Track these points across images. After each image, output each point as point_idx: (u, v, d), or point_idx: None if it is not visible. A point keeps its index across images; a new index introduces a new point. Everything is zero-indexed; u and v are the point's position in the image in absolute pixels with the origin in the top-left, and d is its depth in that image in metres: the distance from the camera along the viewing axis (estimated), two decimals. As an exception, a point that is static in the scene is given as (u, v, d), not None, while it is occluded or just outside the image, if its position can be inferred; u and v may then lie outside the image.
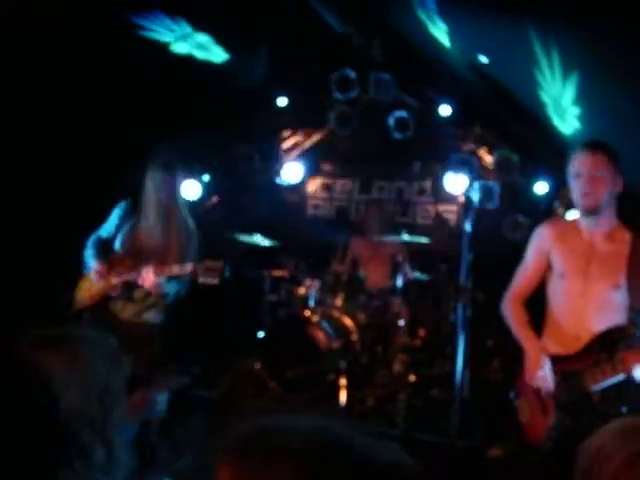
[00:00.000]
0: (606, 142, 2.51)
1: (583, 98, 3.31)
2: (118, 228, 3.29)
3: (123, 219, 3.30)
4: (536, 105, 3.91)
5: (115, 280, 3.18)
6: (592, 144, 2.51)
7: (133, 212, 3.28)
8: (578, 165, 2.46)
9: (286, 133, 6.19)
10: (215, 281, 2.97)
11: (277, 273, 4.84)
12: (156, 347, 3.24)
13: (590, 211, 2.47)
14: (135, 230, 3.25)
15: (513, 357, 2.71)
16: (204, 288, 3.07)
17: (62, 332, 1.34)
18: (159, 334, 3.26)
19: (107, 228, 3.35)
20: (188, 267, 3.00)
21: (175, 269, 3.03)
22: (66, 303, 3.28)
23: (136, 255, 3.20)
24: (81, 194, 4.29)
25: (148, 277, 3.05)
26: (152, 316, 3.22)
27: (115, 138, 4.42)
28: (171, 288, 3.13)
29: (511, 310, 2.68)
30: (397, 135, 5.62)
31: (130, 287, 3.16)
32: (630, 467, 0.89)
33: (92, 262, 3.24)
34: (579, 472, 0.95)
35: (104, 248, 3.31)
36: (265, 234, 4.93)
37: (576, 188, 2.46)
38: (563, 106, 3.55)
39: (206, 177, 5.91)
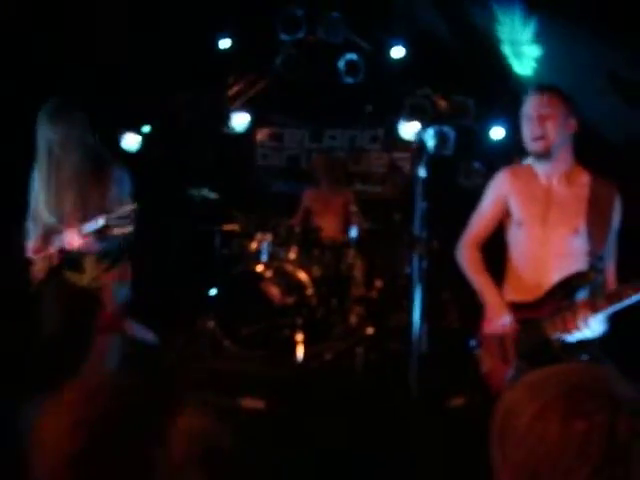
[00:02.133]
0: (557, 85, 2.43)
1: (542, 38, 3.19)
2: (41, 194, 3.04)
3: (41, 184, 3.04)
4: (493, 45, 3.78)
5: (52, 249, 2.98)
6: (541, 85, 2.44)
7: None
8: (529, 106, 2.39)
9: (231, 79, 5.88)
10: (128, 229, 2.73)
11: (228, 227, 4.65)
12: (118, 306, 3.08)
13: (541, 154, 2.39)
14: (47, 192, 3.00)
15: (470, 307, 2.67)
16: (153, 244, 2.88)
17: None
18: (118, 293, 3.08)
19: (33, 196, 3.10)
20: (100, 220, 2.76)
21: (90, 225, 2.80)
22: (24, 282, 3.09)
23: (55, 219, 2.98)
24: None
25: (73, 238, 2.83)
26: (109, 277, 3.04)
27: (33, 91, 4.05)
28: (107, 245, 2.93)
29: (467, 256, 2.63)
30: (348, 80, 5.41)
31: (72, 255, 2.96)
32: (541, 418, 0.86)
33: (30, 238, 3.06)
34: (495, 427, 0.92)
35: (37, 219, 3.08)
36: (213, 187, 4.72)
37: (527, 131, 2.39)
38: (521, 46, 3.43)
39: (146, 128, 5.57)
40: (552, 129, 2.36)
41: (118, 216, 2.72)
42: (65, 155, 2.91)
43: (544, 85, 2.44)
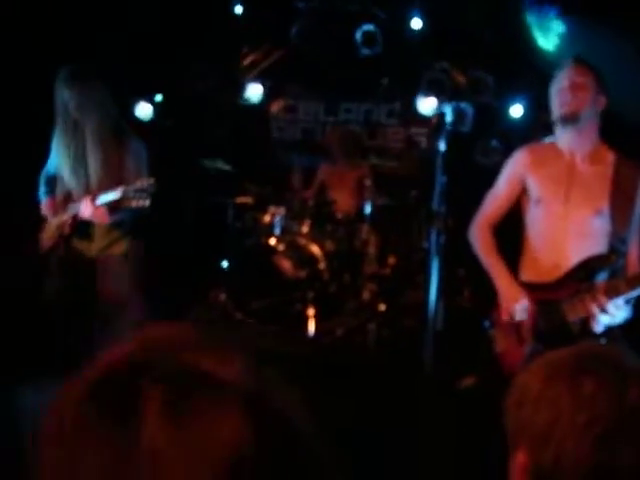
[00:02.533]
0: (589, 61, 2.37)
1: (568, 14, 3.10)
2: (59, 159, 3.02)
3: (58, 148, 3.02)
4: (517, 18, 3.67)
5: (65, 216, 2.96)
6: (578, 59, 2.37)
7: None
8: (561, 79, 2.33)
9: (245, 49, 5.77)
10: (145, 203, 2.70)
11: (241, 200, 4.62)
12: (123, 280, 3.07)
13: (569, 118, 2.32)
14: (65, 159, 2.98)
15: (485, 285, 2.64)
16: (165, 216, 2.86)
17: None
18: (126, 267, 3.07)
19: (52, 160, 3.08)
20: (118, 191, 2.73)
21: (107, 195, 2.78)
22: (32, 246, 3.07)
23: (70, 182, 2.95)
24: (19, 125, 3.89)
25: (86, 208, 2.81)
26: (119, 249, 3.03)
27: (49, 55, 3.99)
28: (120, 216, 2.90)
29: (479, 237, 2.59)
30: (364, 51, 5.29)
31: (84, 224, 2.95)
32: (551, 380, 0.88)
33: (43, 202, 3.07)
34: (508, 403, 0.92)
35: (52, 183, 3.07)
36: (226, 159, 4.67)
37: (558, 100, 2.34)
38: (547, 19, 3.33)
39: (158, 97, 5.50)
40: (583, 97, 2.31)
41: (136, 189, 2.70)
42: (83, 119, 2.88)
43: (577, 57, 2.38)
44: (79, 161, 2.92)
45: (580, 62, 2.35)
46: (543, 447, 0.83)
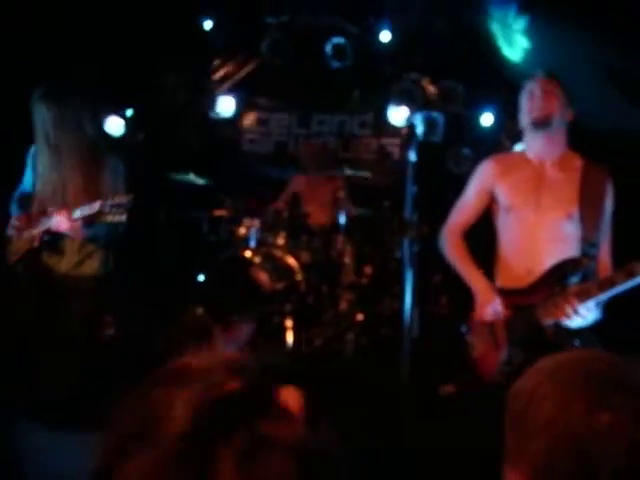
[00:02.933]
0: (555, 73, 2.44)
1: (532, 31, 3.19)
2: (34, 177, 2.98)
3: (34, 167, 2.98)
4: (484, 28, 3.75)
5: (35, 231, 2.92)
6: (548, 72, 2.43)
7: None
8: (532, 87, 2.39)
9: (216, 63, 5.78)
10: (122, 218, 2.69)
11: (216, 213, 4.60)
12: (95, 299, 3.02)
13: (541, 122, 2.37)
14: (40, 177, 2.96)
15: (461, 292, 2.67)
16: (139, 230, 2.83)
17: None
18: (98, 285, 3.02)
19: (26, 179, 3.04)
20: (95, 205, 2.70)
21: (83, 209, 2.75)
22: None
23: (49, 204, 2.92)
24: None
25: (60, 222, 2.78)
26: (90, 267, 2.98)
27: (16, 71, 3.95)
28: (94, 231, 2.87)
29: (450, 243, 2.62)
30: (335, 64, 5.34)
31: (55, 238, 2.90)
32: (564, 409, 0.83)
33: (13, 217, 3.00)
34: (511, 415, 0.89)
35: (26, 201, 3.01)
36: (199, 172, 4.65)
37: (529, 106, 2.38)
38: (513, 32, 3.41)
39: (129, 111, 5.47)
40: (554, 104, 2.37)
41: (113, 204, 2.68)
42: (61, 138, 2.86)
43: (549, 71, 2.44)
44: (58, 180, 2.90)
45: (550, 75, 2.41)
46: (546, 476, 0.81)
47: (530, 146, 2.48)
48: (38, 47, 4.11)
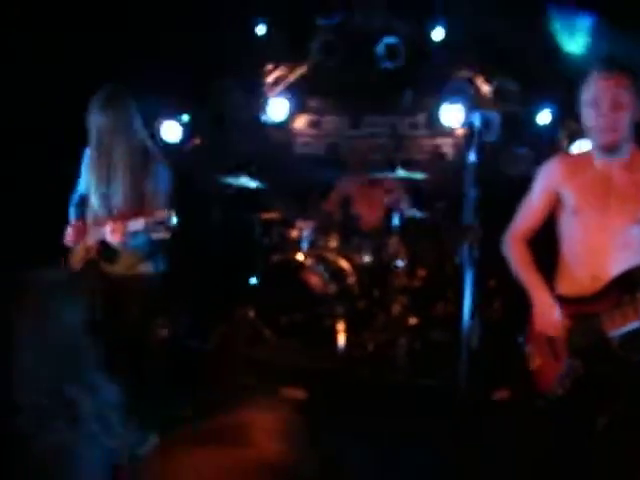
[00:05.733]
0: (625, 61, 2.23)
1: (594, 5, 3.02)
2: (89, 181, 3.05)
3: (90, 170, 3.04)
4: (541, 22, 3.61)
5: (90, 241, 2.99)
6: (612, 63, 2.21)
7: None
8: (596, 90, 2.17)
9: (268, 66, 5.82)
10: (165, 235, 2.70)
11: (268, 216, 4.62)
12: (151, 298, 3.08)
13: (610, 149, 2.23)
14: (95, 183, 3.00)
15: (516, 297, 2.58)
16: (193, 233, 2.85)
17: (29, 279, 1.24)
18: (153, 285, 3.07)
19: (82, 182, 3.11)
20: (140, 222, 2.73)
21: (131, 225, 2.78)
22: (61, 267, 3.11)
23: (102, 209, 2.98)
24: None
25: (111, 235, 2.82)
26: (145, 268, 3.03)
27: (77, 73, 4.06)
28: (141, 241, 2.90)
29: (514, 251, 2.49)
30: (387, 64, 5.29)
31: (110, 246, 2.95)
32: None
33: (70, 224, 3.08)
34: None
35: (83, 204, 3.09)
36: (252, 175, 4.68)
37: (593, 119, 2.19)
38: (572, 18, 3.25)
39: (185, 117, 5.57)
40: (624, 120, 2.18)
41: (156, 221, 2.71)
42: (114, 142, 2.91)
43: (616, 62, 2.22)
44: (107, 184, 2.95)
45: (616, 71, 2.18)
46: None
47: (596, 155, 2.34)
48: (95, 49, 4.23)
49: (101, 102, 2.89)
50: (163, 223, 2.68)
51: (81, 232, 3.05)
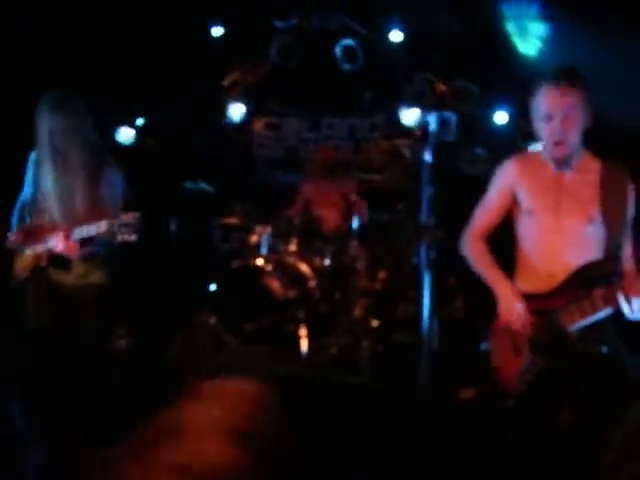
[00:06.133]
0: (576, 70, 2.26)
1: (548, 14, 3.08)
2: (34, 187, 2.93)
3: (35, 175, 2.93)
4: (496, 24, 3.66)
5: (39, 248, 2.87)
6: (564, 76, 2.23)
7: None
8: (548, 104, 2.23)
9: (226, 69, 5.76)
10: (132, 237, 2.62)
11: (227, 221, 4.55)
12: (106, 308, 2.98)
13: (561, 161, 2.30)
14: (41, 187, 2.90)
15: (476, 294, 2.60)
16: (151, 239, 2.78)
17: None
18: (107, 294, 2.98)
19: (26, 189, 2.99)
20: (102, 225, 2.64)
21: (89, 229, 2.69)
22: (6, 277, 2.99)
23: (48, 217, 2.88)
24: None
25: (62, 243, 2.72)
26: (96, 277, 2.94)
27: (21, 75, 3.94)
28: (90, 249, 2.83)
29: (474, 250, 2.54)
30: (345, 66, 5.29)
31: (60, 255, 2.85)
32: None
33: (13, 230, 2.96)
34: None
35: (26, 212, 2.98)
36: (210, 179, 4.62)
37: (546, 132, 2.26)
38: (526, 23, 3.31)
39: (139, 120, 5.45)
40: (573, 131, 2.24)
41: (121, 223, 2.62)
42: (68, 146, 2.81)
43: (567, 75, 2.24)
44: (62, 187, 2.86)
45: (569, 85, 2.22)
46: None
47: (546, 154, 2.38)
48: (52, 50, 4.11)
49: (52, 103, 2.80)
50: (132, 225, 2.61)
51: (23, 238, 2.92)
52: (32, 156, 2.96)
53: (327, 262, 4.27)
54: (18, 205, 3.05)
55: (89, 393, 2.82)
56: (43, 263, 2.89)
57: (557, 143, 2.25)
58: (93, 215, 2.75)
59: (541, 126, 2.27)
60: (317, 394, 3.40)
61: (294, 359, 3.86)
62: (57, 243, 2.74)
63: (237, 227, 4.52)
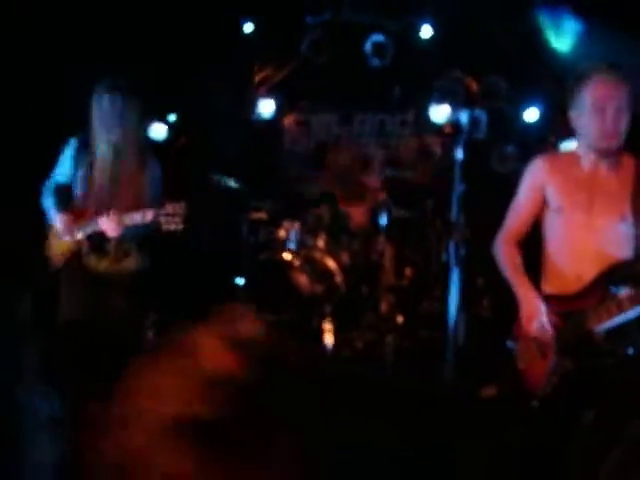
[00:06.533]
0: (619, 64, 2.26)
1: (583, 11, 3.03)
2: (74, 170, 2.98)
3: (77, 159, 2.97)
4: (528, 23, 3.61)
5: (80, 234, 2.93)
6: (614, 69, 2.22)
7: (86, 150, 2.95)
8: (601, 95, 2.18)
9: (257, 65, 5.79)
10: (179, 227, 2.71)
11: (255, 216, 4.59)
12: (137, 295, 3.05)
13: (608, 153, 2.25)
14: (90, 171, 2.95)
15: (505, 294, 2.57)
16: (178, 234, 2.83)
17: None
18: (139, 281, 3.04)
19: (62, 171, 3.04)
20: (149, 214, 2.72)
21: (136, 217, 2.76)
22: (40, 263, 3.04)
23: (96, 201, 2.92)
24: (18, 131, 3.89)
25: (109, 227, 2.79)
26: (129, 264, 3.00)
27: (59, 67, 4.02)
28: (136, 233, 2.90)
29: (503, 253, 2.50)
30: (375, 62, 5.27)
31: (99, 239, 2.91)
32: None
33: (54, 214, 2.98)
34: None
35: (65, 196, 3.02)
36: (240, 175, 4.66)
37: (596, 124, 2.20)
38: (560, 18, 3.26)
39: (172, 117, 5.52)
40: (624, 124, 2.21)
41: (167, 213, 2.69)
42: (124, 133, 2.87)
43: (616, 68, 2.23)
44: (113, 177, 2.91)
45: (619, 78, 2.21)
46: None
47: (586, 154, 2.34)
48: (82, 48, 4.19)
49: (110, 85, 2.87)
50: (178, 215, 2.67)
51: (72, 223, 2.96)
52: (73, 141, 3.00)
53: (354, 258, 4.28)
54: (50, 186, 3.06)
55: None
56: (84, 247, 2.94)
57: (609, 135, 2.20)
58: (137, 204, 2.80)
59: (588, 119, 2.22)
60: (340, 389, 3.41)
61: (319, 354, 3.88)
62: (109, 227, 2.79)
63: (265, 222, 4.56)
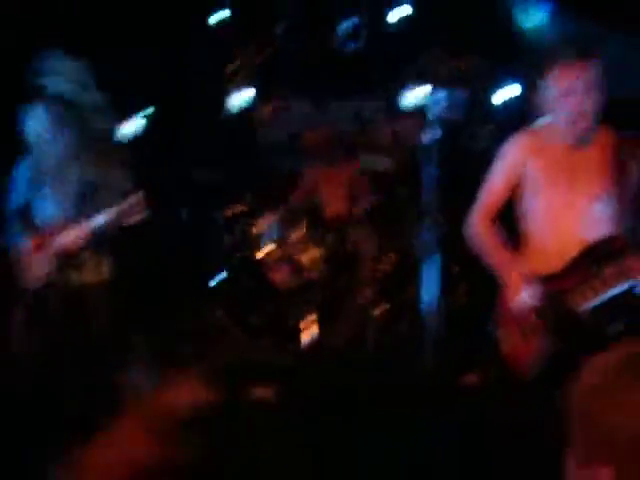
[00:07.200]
0: (589, 46, 2.26)
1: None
2: (30, 191, 2.91)
3: (30, 179, 2.91)
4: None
5: (50, 252, 2.86)
6: (585, 52, 2.21)
7: (37, 167, 2.90)
8: (569, 80, 2.17)
9: (229, 53, 5.68)
10: (141, 217, 2.65)
11: (231, 211, 4.51)
12: (113, 303, 3.00)
13: (583, 135, 2.24)
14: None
15: (481, 281, 2.52)
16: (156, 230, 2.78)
17: None
18: (117, 289, 3.00)
19: (19, 195, 2.96)
20: (109, 214, 2.65)
21: (94, 222, 2.68)
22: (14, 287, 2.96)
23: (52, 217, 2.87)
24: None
25: (70, 240, 2.71)
26: (106, 270, 2.96)
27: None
28: (104, 236, 2.83)
29: (480, 231, 2.44)
30: (349, 46, 5.19)
31: (72, 252, 2.85)
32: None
33: (22, 239, 2.92)
34: (591, 417, 0.85)
35: (27, 219, 2.95)
36: (213, 168, 4.58)
37: (567, 107, 2.19)
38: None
39: (147, 110, 5.41)
40: (593, 104, 2.20)
41: (130, 205, 2.63)
42: (70, 147, 2.80)
43: (587, 50, 2.23)
44: (60, 182, 2.83)
45: (590, 61, 2.21)
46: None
47: (563, 132, 2.30)
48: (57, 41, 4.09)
49: (43, 101, 2.81)
50: (139, 204, 2.61)
51: (40, 245, 2.89)
52: (22, 162, 2.92)
53: (331, 249, 4.21)
54: (11, 214, 2.99)
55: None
56: (53, 267, 2.86)
57: (579, 117, 2.19)
58: (100, 204, 2.72)
59: (557, 104, 2.21)
60: (321, 382, 3.37)
61: (299, 348, 3.84)
62: (68, 241, 2.74)
63: (241, 216, 4.48)
